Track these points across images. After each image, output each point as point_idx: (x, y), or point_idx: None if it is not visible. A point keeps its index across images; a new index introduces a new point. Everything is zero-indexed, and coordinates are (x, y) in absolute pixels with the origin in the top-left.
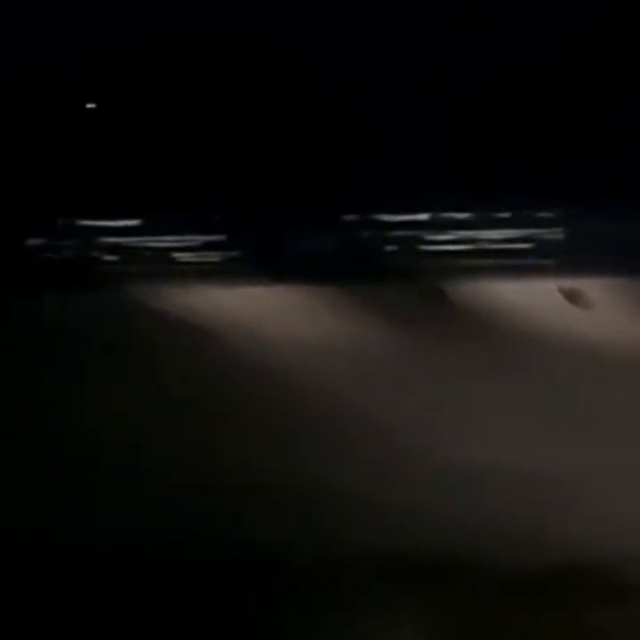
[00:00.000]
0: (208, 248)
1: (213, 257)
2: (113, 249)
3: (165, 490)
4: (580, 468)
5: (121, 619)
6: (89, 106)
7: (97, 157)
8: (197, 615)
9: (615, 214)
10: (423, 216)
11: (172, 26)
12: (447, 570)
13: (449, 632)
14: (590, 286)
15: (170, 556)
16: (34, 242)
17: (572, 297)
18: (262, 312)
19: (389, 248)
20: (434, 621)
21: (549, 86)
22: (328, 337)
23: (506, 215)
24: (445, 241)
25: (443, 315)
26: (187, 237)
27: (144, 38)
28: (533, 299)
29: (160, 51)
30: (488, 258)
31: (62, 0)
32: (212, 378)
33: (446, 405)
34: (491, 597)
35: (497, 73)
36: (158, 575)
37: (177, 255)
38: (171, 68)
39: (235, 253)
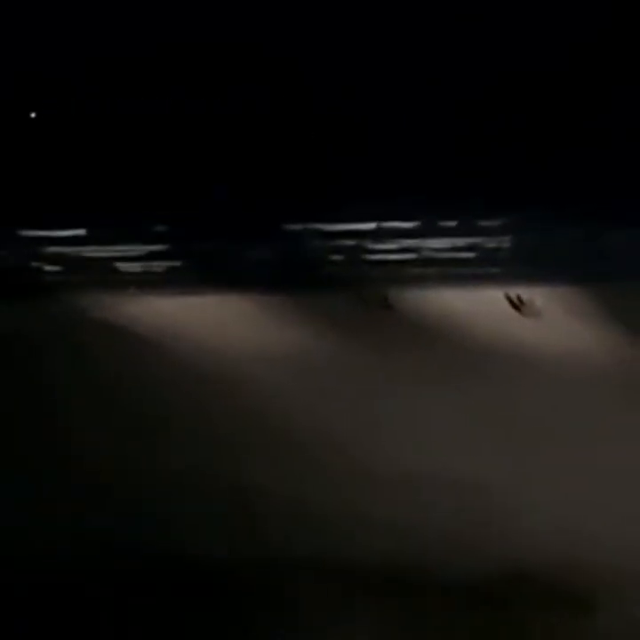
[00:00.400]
0: (151, 258)
1: (157, 267)
2: (56, 258)
3: (101, 493)
4: (524, 477)
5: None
6: (31, 116)
7: (40, 167)
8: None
9: (559, 223)
10: (369, 225)
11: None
12: (392, 578)
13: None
14: (536, 294)
15: (100, 561)
16: None
17: (518, 305)
18: (206, 321)
19: (334, 257)
20: (379, 629)
21: (492, 98)
22: (272, 345)
23: (451, 224)
24: (391, 250)
25: (388, 323)
26: (130, 247)
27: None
28: (479, 307)
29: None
30: (434, 266)
31: None
32: (155, 386)
33: (391, 413)
34: (435, 604)
35: (444, 80)
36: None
37: (120, 265)
38: (103, 83)
39: (178, 263)
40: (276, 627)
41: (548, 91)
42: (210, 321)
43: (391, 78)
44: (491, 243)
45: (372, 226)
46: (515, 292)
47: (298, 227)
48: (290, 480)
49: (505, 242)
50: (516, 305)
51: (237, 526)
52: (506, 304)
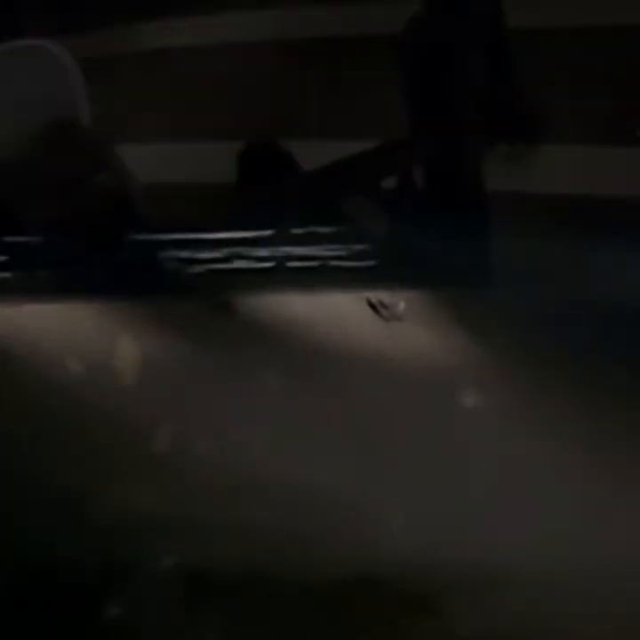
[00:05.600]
0: None
1: None
2: None
3: None
4: (376, 481)
5: None
6: None
7: None
8: None
9: (423, 227)
10: (219, 233)
11: None
12: (245, 583)
13: None
14: (399, 299)
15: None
16: None
17: (380, 309)
18: (49, 329)
19: (182, 265)
20: (230, 629)
21: None
22: (122, 354)
23: (315, 229)
24: (242, 257)
25: (238, 331)
26: None
27: None
28: (341, 311)
29: None
30: (292, 271)
31: None
32: None
33: (240, 420)
34: (290, 609)
35: None
36: None
37: None
38: None
39: (21, 271)
40: (125, 629)
41: None
42: (53, 329)
43: None
44: (353, 246)
45: (222, 233)
46: (377, 296)
47: (143, 235)
48: (136, 490)
49: (367, 246)
50: (378, 309)
51: (84, 535)
52: (367, 308)
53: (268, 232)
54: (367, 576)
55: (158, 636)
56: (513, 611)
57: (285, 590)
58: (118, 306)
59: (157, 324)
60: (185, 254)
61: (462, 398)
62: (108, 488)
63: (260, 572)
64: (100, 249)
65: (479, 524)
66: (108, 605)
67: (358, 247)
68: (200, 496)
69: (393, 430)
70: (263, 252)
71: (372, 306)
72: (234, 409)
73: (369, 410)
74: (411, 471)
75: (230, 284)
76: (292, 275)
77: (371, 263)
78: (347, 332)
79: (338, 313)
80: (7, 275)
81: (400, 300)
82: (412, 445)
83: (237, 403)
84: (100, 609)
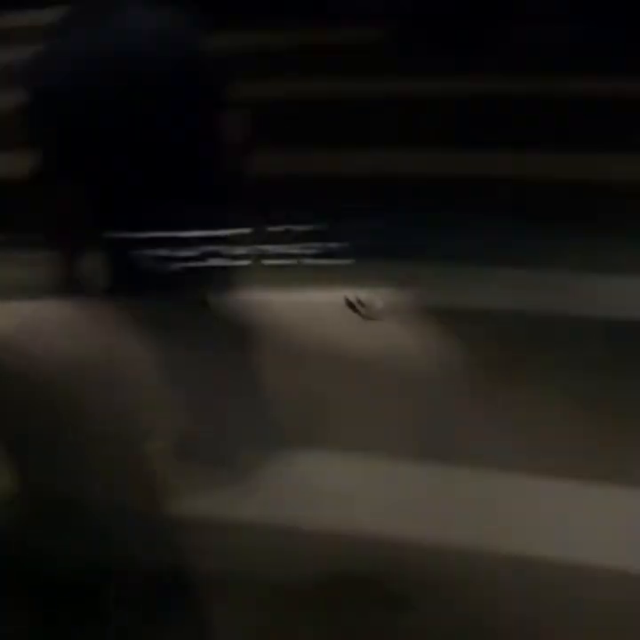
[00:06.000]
0: None
1: None
2: None
3: None
4: (351, 481)
5: None
6: None
7: None
8: None
9: (396, 225)
10: (198, 231)
11: None
12: (219, 579)
13: None
14: (377, 296)
15: None
16: None
17: (358, 307)
18: (23, 327)
19: (159, 262)
20: (203, 628)
21: None
22: (93, 352)
23: (292, 228)
24: (219, 254)
25: (215, 329)
26: None
27: None
28: (318, 309)
29: None
30: (269, 269)
31: None
32: None
33: (216, 418)
34: (259, 604)
35: None
36: None
37: None
38: None
39: None
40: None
41: None
42: (27, 327)
43: None
44: (330, 245)
45: (200, 231)
46: (355, 294)
47: (121, 233)
48: (106, 488)
49: (344, 244)
50: (356, 307)
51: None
52: (345, 306)
53: (244, 230)
54: (344, 575)
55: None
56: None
57: (260, 588)
58: (91, 303)
59: (133, 323)
60: (160, 252)
61: (438, 395)
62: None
63: (235, 572)
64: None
65: (451, 521)
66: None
67: (335, 245)
68: (165, 491)
69: (372, 427)
70: (239, 251)
71: (350, 304)
72: (208, 406)
73: (347, 408)
74: (385, 473)
75: (206, 283)
76: (268, 273)
77: (348, 261)
78: (325, 331)
79: (315, 311)
80: None
81: (378, 298)
82: (390, 445)
83: (212, 400)
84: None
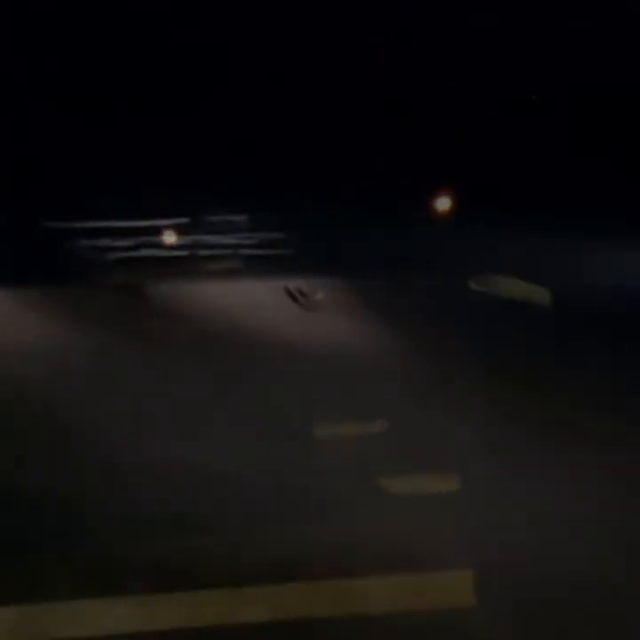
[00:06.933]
0: None
1: None
2: None
3: None
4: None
5: None
6: None
7: None
8: None
9: (341, 218)
10: (140, 222)
11: None
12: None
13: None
14: (316, 287)
15: None
16: None
17: (299, 297)
18: None
19: (97, 252)
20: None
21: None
22: (31, 339)
23: (231, 218)
24: (159, 245)
25: (153, 316)
26: None
27: None
28: (258, 299)
29: None
30: (212, 260)
31: None
32: None
33: (151, 406)
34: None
35: None
36: None
37: None
38: None
39: None
40: None
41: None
42: None
43: None
44: (271, 237)
45: (143, 222)
46: (294, 284)
47: (55, 223)
48: (58, 475)
49: (284, 236)
50: (296, 297)
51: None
52: (285, 296)
53: (181, 220)
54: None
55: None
56: None
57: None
58: (28, 293)
59: (70, 310)
60: (97, 242)
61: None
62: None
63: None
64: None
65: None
66: None
67: (273, 236)
68: (102, 478)
69: (311, 416)
70: (177, 241)
71: (290, 294)
72: (146, 394)
73: (286, 395)
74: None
75: (143, 272)
76: (206, 263)
77: (287, 252)
78: (262, 320)
79: (254, 301)
80: None
81: (319, 289)
82: (326, 432)
83: (150, 387)
84: None
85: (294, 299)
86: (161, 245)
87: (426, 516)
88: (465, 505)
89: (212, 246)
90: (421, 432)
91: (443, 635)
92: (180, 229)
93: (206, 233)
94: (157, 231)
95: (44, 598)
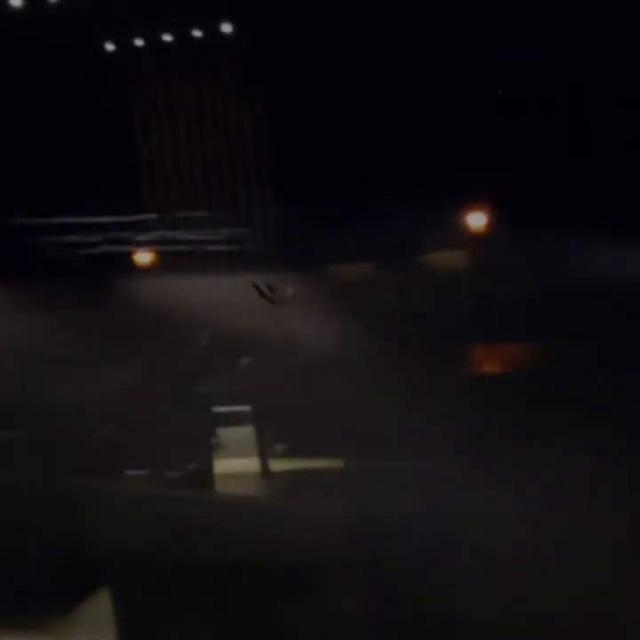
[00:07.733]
0: None
1: None
2: None
3: None
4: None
5: None
6: None
7: None
8: None
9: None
10: (107, 217)
11: None
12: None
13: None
14: (284, 282)
15: None
16: None
17: (267, 292)
18: None
19: (62, 248)
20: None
21: None
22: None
23: (197, 214)
24: (127, 241)
25: (121, 312)
26: None
27: None
28: (226, 294)
29: None
30: (174, 254)
31: None
32: None
33: (118, 400)
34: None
35: None
36: None
37: None
38: None
39: None
40: None
41: None
42: None
43: None
44: (240, 232)
45: (110, 218)
46: (262, 279)
47: (22, 219)
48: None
49: (253, 231)
50: (265, 293)
51: None
52: (253, 291)
53: (147, 216)
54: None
55: None
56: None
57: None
58: None
59: (37, 306)
60: (63, 238)
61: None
62: None
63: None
64: None
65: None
66: None
67: (238, 231)
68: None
69: (288, 412)
70: (142, 237)
71: (258, 289)
72: (113, 390)
73: (261, 391)
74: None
75: (110, 268)
76: (173, 258)
77: (252, 247)
78: (231, 315)
79: (222, 296)
80: None
81: (288, 284)
82: (303, 426)
83: (118, 383)
84: None
85: (262, 293)
86: (128, 242)
87: None
88: None
89: (177, 242)
90: None
91: None
92: (146, 225)
93: (171, 229)
94: (124, 227)
95: None
